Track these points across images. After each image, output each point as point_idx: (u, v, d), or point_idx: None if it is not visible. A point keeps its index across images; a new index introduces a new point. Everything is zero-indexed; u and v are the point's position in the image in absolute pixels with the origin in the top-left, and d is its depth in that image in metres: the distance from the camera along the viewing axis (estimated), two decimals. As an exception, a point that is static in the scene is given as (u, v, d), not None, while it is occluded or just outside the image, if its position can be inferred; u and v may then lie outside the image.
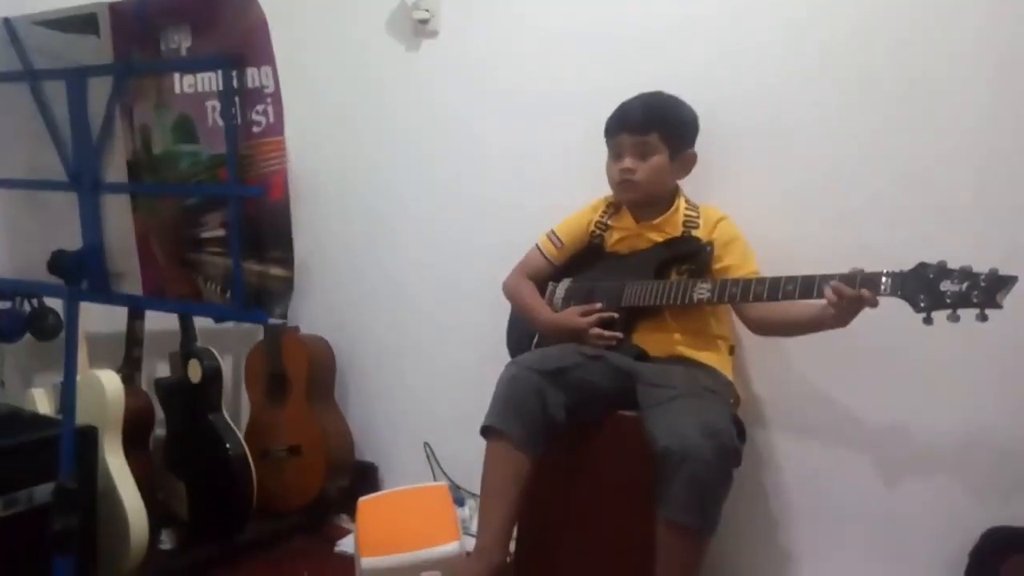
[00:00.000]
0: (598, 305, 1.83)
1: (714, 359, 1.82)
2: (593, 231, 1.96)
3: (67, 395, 1.16)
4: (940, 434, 1.76)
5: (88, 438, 1.72)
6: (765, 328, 1.77)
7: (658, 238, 1.86)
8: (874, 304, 1.47)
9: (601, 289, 1.87)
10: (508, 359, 1.87)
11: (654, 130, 1.80)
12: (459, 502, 2.20)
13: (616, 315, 1.81)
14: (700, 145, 1.88)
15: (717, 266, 1.80)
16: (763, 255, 1.83)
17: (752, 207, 1.91)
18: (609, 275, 1.89)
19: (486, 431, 1.69)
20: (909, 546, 1.80)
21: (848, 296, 1.47)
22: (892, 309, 1.45)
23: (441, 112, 2.46)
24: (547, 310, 1.94)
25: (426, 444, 2.43)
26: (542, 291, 2.01)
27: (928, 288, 1.41)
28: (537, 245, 2.03)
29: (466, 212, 2.42)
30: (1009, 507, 1.68)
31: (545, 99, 2.25)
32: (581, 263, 1.99)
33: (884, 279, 1.46)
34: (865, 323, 1.50)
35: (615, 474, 1.74)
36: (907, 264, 1.45)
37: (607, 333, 1.79)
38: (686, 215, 1.85)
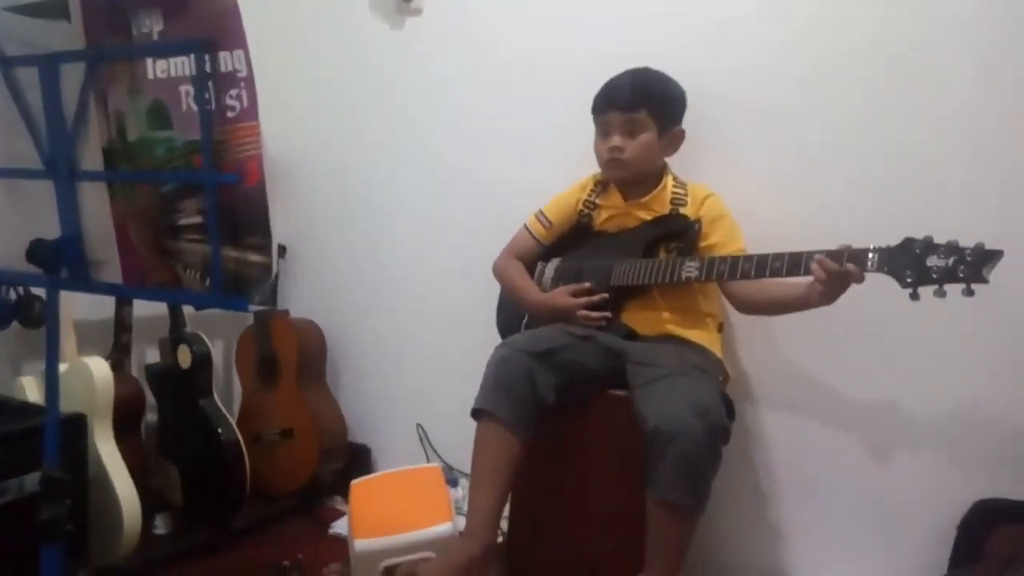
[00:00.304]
0: (587, 285, 1.83)
1: (703, 337, 1.82)
2: (581, 210, 1.95)
3: (50, 384, 1.16)
4: (928, 409, 1.77)
5: (77, 426, 1.72)
6: (752, 307, 1.77)
7: (646, 216, 1.86)
8: (860, 280, 1.46)
9: (590, 268, 1.86)
10: (499, 340, 1.87)
11: (642, 107, 1.79)
12: (452, 483, 2.21)
13: (605, 295, 1.80)
14: (690, 123, 1.87)
15: (704, 243, 1.79)
16: (753, 233, 1.83)
17: (742, 185, 1.91)
18: (598, 254, 1.89)
19: (476, 413, 1.69)
20: (898, 520, 1.81)
21: (834, 272, 1.46)
22: (879, 286, 1.44)
23: (427, 91, 2.44)
24: (536, 290, 1.93)
25: (419, 426, 2.44)
26: (532, 271, 2.00)
27: (914, 263, 1.40)
28: (526, 225, 2.02)
29: (455, 192, 2.41)
30: (996, 480, 1.69)
31: (533, 76, 2.23)
32: (570, 242, 1.98)
33: (871, 254, 1.45)
34: (852, 300, 1.50)
35: (605, 453, 1.74)
36: (897, 239, 1.44)
37: (595, 315, 1.79)
38: (674, 192, 1.85)
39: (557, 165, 2.08)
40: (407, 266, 2.53)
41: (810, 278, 1.52)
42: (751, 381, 1.97)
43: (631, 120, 1.80)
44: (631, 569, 1.63)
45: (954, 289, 1.36)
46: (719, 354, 1.83)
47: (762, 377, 1.96)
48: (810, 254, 1.51)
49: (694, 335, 1.81)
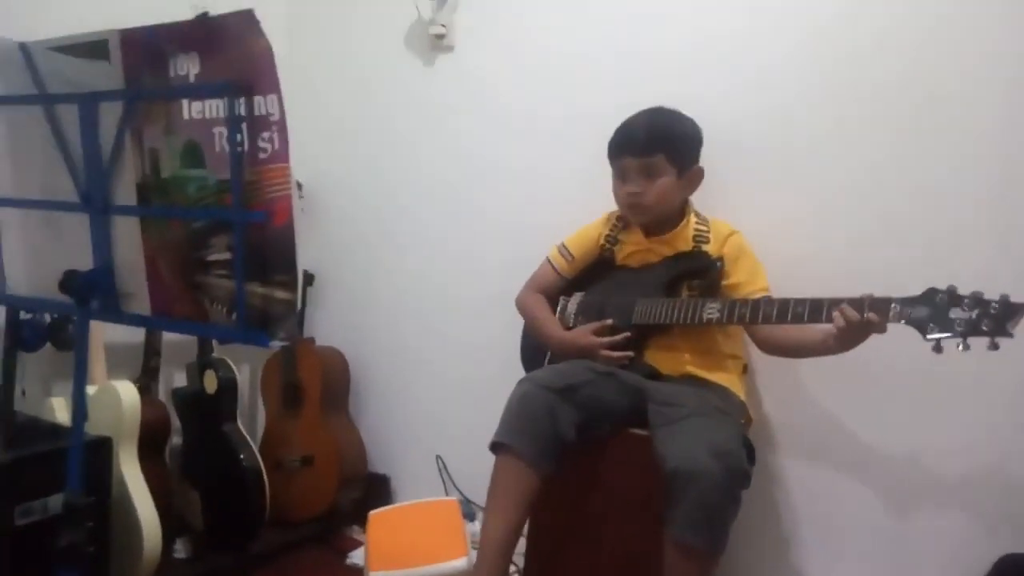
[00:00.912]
0: (609, 322, 1.83)
1: (725, 379, 1.81)
2: (603, 244, 1.96)
3: (77, 413, 1.19)
4: (953, 460, 1.74)
5: (103, 449, 1.75)
6: (773, 348, 1.76)
7: (668, 252, 1.86)
8: (882, 330, 1.45)
9: (612, 306, 1.87)
10: (520, 373, 1.88)
11: (659, 151, 1.78)
12: (469, 517, 2.20)
13: (628, 334, 1.80)
14: (714, 162, 1.87)
15: (726, 282, 1.79)
16: (777, 272, 1.82)
17: (766, 224, 1.91)
18: (620, 290, 1.89)
19: (495, 447, 1.69)
20: (919, 572, 1.78)
21: (855, 322, 1.45)
22: (905, 334, 1.43)
23: (455, 127, 2.47)
24: (558, 327, 1.94)
25: (438, 457, 2.44)
26: (554, 304, 2.01)
27: (937, 315, 1.39)
28: (548, 258, 2.03)
29: (479, 227, 2.43)
30: (1021, 535, 1.65)
31: (559, 115, 2.26)
32: (592, 276, 1.99)
33: (893, 305, 1.43)
34: (877, 347, 1.49)
35: (624, 492, 1.73)
36: (920, 281, 1.43)
37: (617, 354, 1.79)
38: (696, 230, 1.85)
39: (580, 203, 2.08)
40: (430, 298, 2.55)
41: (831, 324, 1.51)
42: (773, 425, 1.95)
43: (648, 164, 1.79)
44: (648, 611, 1.61)
45: (978, 342, 1.34)
46: (742, 396, 1.82)
47: (784, 421, 1.95)
48: (833, 301, 1.50)
49: (716, 376, 1.80)
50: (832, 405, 1.88)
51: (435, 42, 2.47)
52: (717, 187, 1.90)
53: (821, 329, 1.56)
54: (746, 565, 1.96)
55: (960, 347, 1.35)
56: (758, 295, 1.72)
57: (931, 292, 1.41)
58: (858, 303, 1.47)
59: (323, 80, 2.76)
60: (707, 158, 1.86)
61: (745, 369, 1.88)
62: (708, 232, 1.84)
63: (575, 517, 1.79)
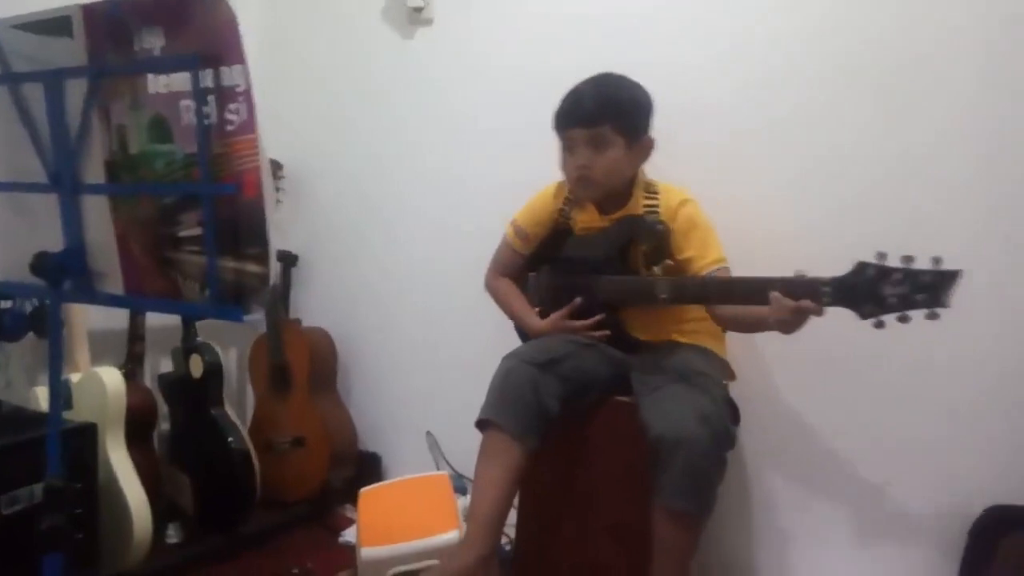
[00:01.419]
0: (578, 301, 1.80)
1: (707, 339, 1.81)
2: (558, 219, 1.91)
3: (53, 396, 1.17)
4: (937, 414, 1.76)
5: (87, 435, 1.74)
6: (728, 325, 1.74)
7: None
8: (819, 314, 1.40)
9: (578, 286, 1.83)
10: (508, 347, 1.87)
11: (607, 121, 1.70)
12: (461, 491, 2.20)
13: (601, 316, 1.78)
14: (694, 137, 1.86)
15: (680, 257, 1.74)
16: (757, 248, 1.81)
17: (744, 199, 1.91)
18: (579, 264, 1.85)
19: (481, 424, 1.70)
20: (907, 526, 1.80)
21: (789, 308, 1.41)
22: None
23: (437, 101, 2.46)
24: (534, 317, 1.92)
25: (428, 433, 2.44)
26: (521, 281, 2.00)
27: (870, 294, 1.33)
28: (505, 238, 2.00)
29: (463, 201, 2.43)
30: (1007, 485, 1.67)
31: (541, 85, 2.21)
32: (552, 245, 1.94)
33: (824, 288, 1.38)
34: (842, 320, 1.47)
35: (611, 460, 1.75)
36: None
37: (598, 333, 1.79)
38: (646, 204, 1.79)
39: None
40: (416, 275, 2.54)
41: None
42: (756, 385, 1.95)
43: (596, 135, 1.71)
44: (638, 576, 1.63)
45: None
46: (724, 354, 1.82)
47: (767, 382, 1.95)
48: (770, 282, 1.45)
49: (698, 338, 1.80)
50: (813, 367, 1.89)
51: (413, 15, 2.46)
52: (694, 161, 1.89)
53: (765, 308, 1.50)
54: (730, 523, 1.98)
55: (900, 320, 1.32)
56: (710, 267, 1.69)
57: (860, 267, 1.36)
58: (792, 285, 1.42)
59: (302, 59, 2.73)
60: (684, 133, 1.84)
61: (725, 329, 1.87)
62: (658, 205, 1.78)
63: (564, 487, 1.80)
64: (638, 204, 1.79)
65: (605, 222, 1.83)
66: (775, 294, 1.42)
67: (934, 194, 1.73)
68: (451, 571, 1.61)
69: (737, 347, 1.89)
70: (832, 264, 1.42)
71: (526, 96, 2.27)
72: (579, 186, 1.80)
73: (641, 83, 1.76)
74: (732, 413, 1.63)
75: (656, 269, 1.73)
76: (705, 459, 1.51)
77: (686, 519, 1.55)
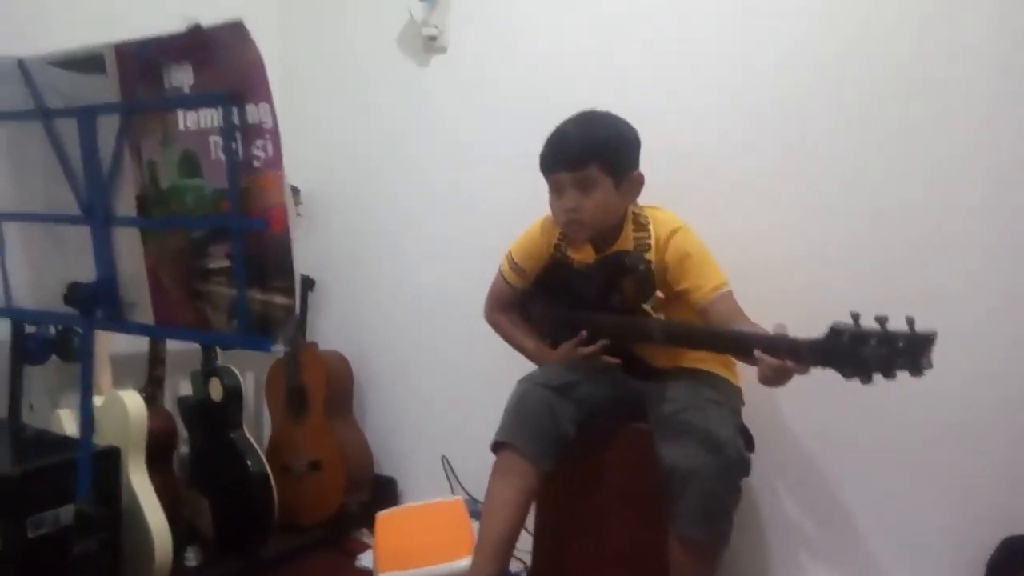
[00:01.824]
0: (583, 334, 1.79)
1: (718, 366, 1.81)
2: (554, 254, 1.90)
3: (84, 424, 1.20)
4: (954, 444, 1.75)
5: (111, 458, 1.77)
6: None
7: None
8: (803, 372, 1.36)
9: (579, 318, 1.83)
10: (522, 370, 1.89)
11: (593, 162, 1.67)
12: (476, 516, 2.21)
13: (606, 342, 1.77)
14: (701, 159, 1.87)
15: (678, 288, 1.72)
16: (766, 275, 1.84)
17: (753, 228, 1.93)
18: (577, 297, 1.85)
19: (496, 446, 1.70)
20: (924, 556, 1.79)
21: (774, 367, 1.37)
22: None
23: (451, 128, 2.49)
24: (546, 349, 1.93)
25: (444, 458, 2.46)
26: (518, 309, 2.02)
27: (849, 357, 1.28)
28: (501, 273, 2.01)
29: (476, 227, 2.45)
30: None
31: (556, 113, 2.24)
32: (552, 275, 1.94)
33: (806, 351, 1.33)
34: None
35: (627, 485, 1.75)
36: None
37: (611, 361, 1.78)
38: (636, 237, 1.77)
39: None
40: (430, 300, 2.57)
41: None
42: (769, 410, 1.96)
43: (583, 177, 1.68)
44: (654, 604, 1.63)
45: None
46: (736, 381, 1.83)
47: (778, 409, 1.96)
48: (757, 339, 1.42)
49: (708, 365, 1.80)
50: (828, 389, 1.87)
51: (428, 44, 2.49)
52: (699, 191, 1.91)
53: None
54: (745, 551, 1.97)
55: (886, 377, 1.26)
56: (711, 295, 1.67)
57: (834, 333, 1.29)
58: (774, 343, 1.38)
59: (318, 85, 2.78)
60: (694, 163, 1.85)
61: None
62: (649, 239, 1.75)
63: (580, 511, 1.80)
64: (628, 239, 1.77)
65: (599, 258, 1.82)
66: (759, 353, 1.38)
67: (938, 225, 1.74)
68: None
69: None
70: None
71: (540, 123, 2.26)
72: (569, 229, 1.77)
73: (629, 121, 1.75)
74: (746, 440, 1.63)
75: (646, 305, 1.73)
76: (719, 487, 1.52)
77: (701, 548, 1.55)
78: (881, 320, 1.24)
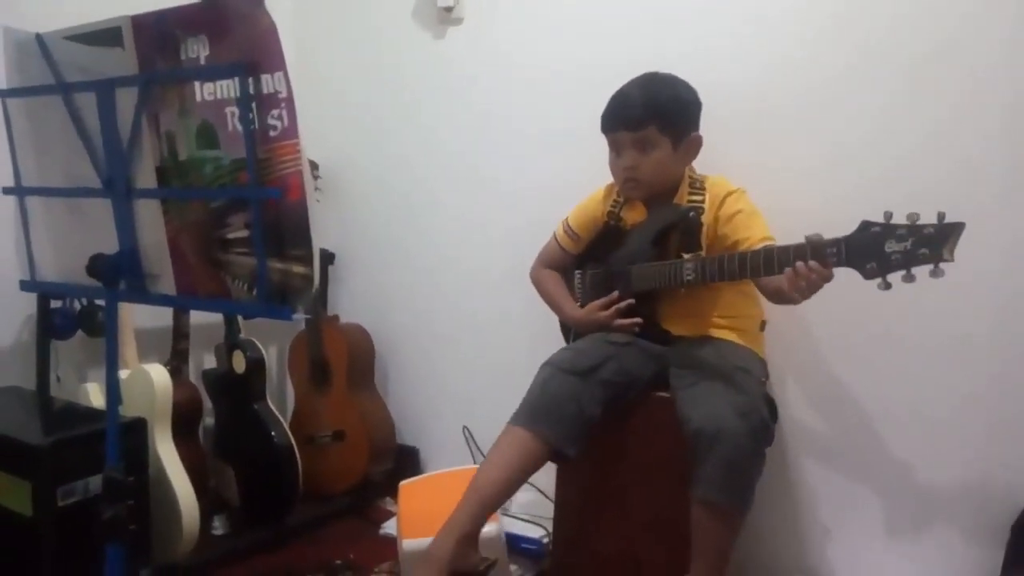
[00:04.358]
0: (615, 295, 1.82)
1: (743, 336, 1.81)
2: (608, 221, 1.93)
3: (110, 390, 1.22)
4: (979, 407, 1.74)
5: (137, 429, 1.79)
6: (771, 298, 1.71)
7: None
8: (829, 277, 1.41)
9: (615, 275, 1.86)
10: (541, 342, 1.90)
11: (651, 123, 1.72)
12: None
13: (631, 300, 1.80)
14: (721, 121, 1.85)
15: (727, 243, 1.75)
16: (788, 224, 1.79)
17: (773, 176, 1.90)
18: (618, 256, 1.87)
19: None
20: (947, 520, 1.79)
21: (802, 275, 1.41)
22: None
23: (469, 99, 2.48)
24: (572, 306, 1.95)
25: (465, 428, 2.48)
26: (570, 278, 2.02)
27: (874, 251, 1.33)
28: (555, 237, 2.03)
29: (497, 199, 2.45)
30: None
31: (572, 83, 2.25)
32: (602, 245, 1.97)
33: (829, 250, 1.39)
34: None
35: (650, 454, 1.76)
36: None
37: (627, 321, 1.79)
38: (690, 199, 1.80)
39: (599, 171, 2.09)
40: (450, 272, 2.58)
41: None
42: (792, 378, 1.96)
43: (642, 138, 1.74)
44: (677, 570, 1.64)
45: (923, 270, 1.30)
46: (761, 353, 1.83)
47: (804, 374, 1.95)
48: (784, 249, 1.47)
49: (734, 335, 1.80)
50: (851, 356, 1.89)
51: (443, 15, 2.48)
52: (719, 142, 1.88)
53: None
54: (769, 519, 1.98)
55: (905, 279, 1.31)
56: (756, 246, 1.67)
57: (865, 225, 1.36)
58: (800, 250, 1.43)
59: (334, 60, 2.77)
60: (709, 112, 1.83)
61: (763, 325, 1.87)
62: (703, 201, 1.79)
63: (603, 481, 1.82)
64: (683, 200, 1.81)
65: None
66: (788, 272, 1.43)
67: (959, 162, 1.72)
68: (437, 552, 1.60)
69: (774, 339, 1.90)
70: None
71: (557, 94, 2.29)
72: (627, 187, 1.83)
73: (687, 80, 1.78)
74: (770, 409, 1.63)
75: (687, 256, 1.74)
76: (743, 452, 1.53)
77: (723, 512, 1.56)
78: (912, 216, 1.29)
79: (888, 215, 1.32)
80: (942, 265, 1.28)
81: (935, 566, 1.80)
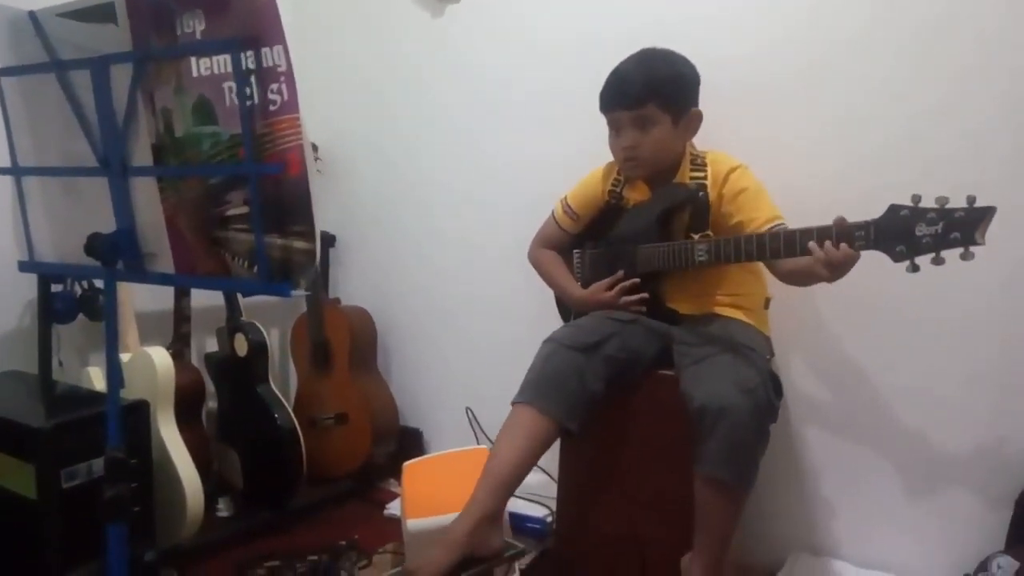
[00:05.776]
0: (620, 274, 1.81)
1: (748, 314, 1.80)
2: (609, 200, 1.92)
3: (111, 370, 1.22)
4: (983, 380, 1.74)
5: (140, 411, 1.79)
6: (785, 278, 1.69)
7: None
8: (855, 259, 1.40)
9: (618, 255, 1.85)
10: (543, 322, 1.88)
11: (651, 100, 1.70)
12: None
13: (636, 280, 1.79)
14: (721, 94, 1.83)
15: (731, 222, 1.73)
16: (790, 204, 1.79)
17: (760, 153, 1.86)
18: (622, 235, 1.86)
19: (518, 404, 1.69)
20: (951, 494, 1.79)
21: (830, 254, 1.40)
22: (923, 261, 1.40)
23: (468, 78, 2.46)
24: (575, 286, 1.93)
25: (468, 409, 2.47)
26: (569, 257, 2.00)
27: (903, 234, 1.33)
28: (553, 216, 2.01)
29: (496, 178, 2.43)
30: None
31: (572, 59, 2.23)
32: (602, 224, 1.95)
33: (858, 232, 1.38)
34: (899, 274, 1.45)
35: (653, 432, 1.75)
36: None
37: (632, 298, 1.78)
38: (692, 176, 1.78)
39: (601, 150, 2.07)
40: (452, 253, 2.57)
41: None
42: (797, 355, 1.95)
43: (641, 116, 1.72)
44: (680, 548, 1.64)
45: (953, 254, 1.30)
46: (766, 331, 1.82)
47: (809, 351, 1.95)
48: (803, 232, 1.46)
49: (739, 313, 1.79)
50: (855, 332, 1.88)
51: (442, -8, 2.45)
52: (719, 116, 1.85)
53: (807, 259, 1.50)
54: (773, 495, 1.98)
55: (934, 262, 1.31)
56: (764, 227, 1.66)
57: (893, 209, 1.35)
58: (826, 232, 1.42)
59: (333, 41, 2.75)
60: (708, 86, 1.80)
61: (767, 303, 1.86)
62: (705, 178, 1.77)
63: (606, 459, 1.81)
64: (685, 177, 1.79)
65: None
66: (812, 244, 1.42)
67: (948, 145, 1.71)
68: (456, 529, 1.57)
69: (780, 317, 1.89)
70: (869, 211, 1.41)
71: (557, 71, 2.27)
72: (627, 166, 1.81)
73: (685, 55, 1.76)
74: (775, 386, 1.62)
75: (695, 237, 1.72)
76: (747, 429, 1.52)
77: (726, 488, 1.56)
78: (942, 199, 1.28)
79: (916, 198, 1.31)
80: (972, 248, 1.28)
81: (939, 541, 1.80)
